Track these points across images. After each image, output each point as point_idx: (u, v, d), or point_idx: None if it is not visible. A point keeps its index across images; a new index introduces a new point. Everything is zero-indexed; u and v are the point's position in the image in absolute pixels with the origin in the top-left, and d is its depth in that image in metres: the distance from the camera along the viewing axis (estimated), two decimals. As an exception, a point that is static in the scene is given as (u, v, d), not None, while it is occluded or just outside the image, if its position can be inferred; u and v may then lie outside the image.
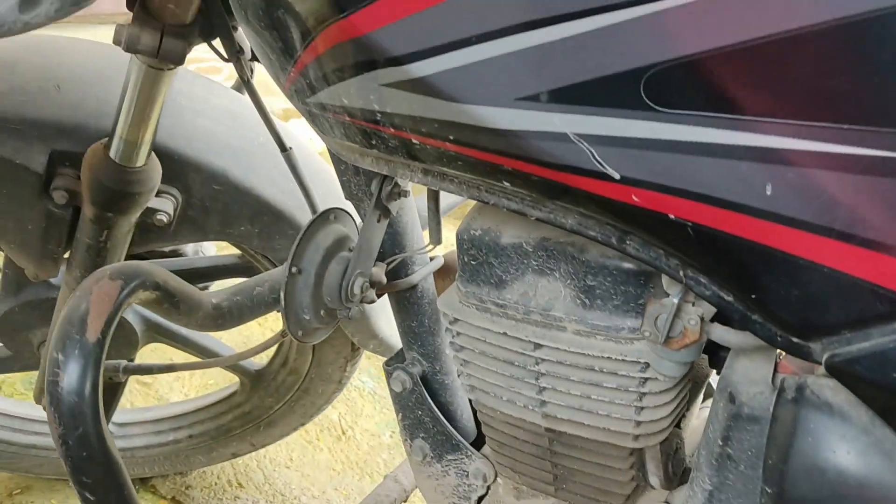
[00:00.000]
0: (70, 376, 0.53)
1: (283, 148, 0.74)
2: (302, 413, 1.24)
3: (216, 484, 1.32)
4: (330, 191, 0.82)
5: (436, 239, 0.69)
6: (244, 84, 0.70)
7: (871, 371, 0.39)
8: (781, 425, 0.43)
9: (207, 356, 1.16)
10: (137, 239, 0.83)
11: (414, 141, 0.46)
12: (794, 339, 0.41)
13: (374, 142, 0.49)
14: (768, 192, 0.37)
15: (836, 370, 0.40)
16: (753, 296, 0.41)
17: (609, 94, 0.38)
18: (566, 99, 0.39)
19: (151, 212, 0.79)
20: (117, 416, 1.22)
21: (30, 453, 1.22)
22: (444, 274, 0.78)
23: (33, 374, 1.14)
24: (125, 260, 0.85)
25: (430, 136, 0.45)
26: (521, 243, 0.55)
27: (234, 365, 1.14)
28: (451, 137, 0.44)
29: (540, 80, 0.39)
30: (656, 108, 0.37)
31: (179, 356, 1.14)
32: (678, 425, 0.60)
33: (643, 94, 0.37)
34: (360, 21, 0.41)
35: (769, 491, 0.43)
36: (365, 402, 1.52)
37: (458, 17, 0.39)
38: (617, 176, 0.40)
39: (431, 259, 0.76)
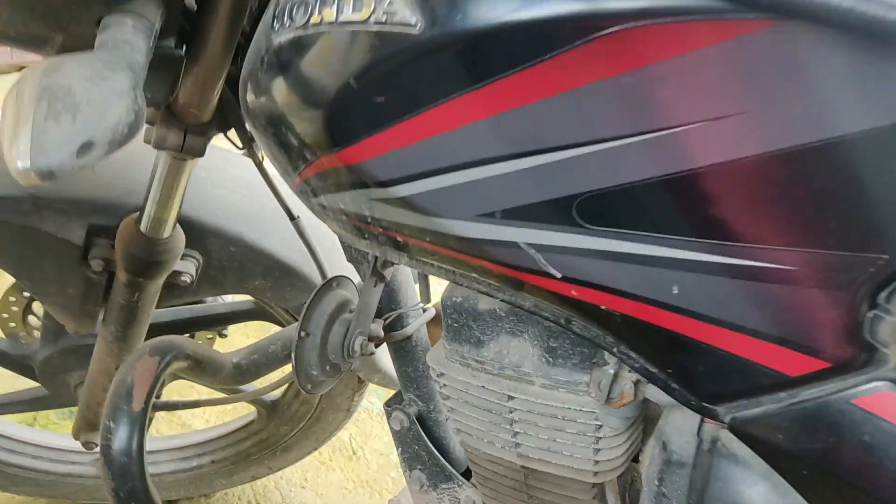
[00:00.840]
0: (120, 440, 0.63)
1: (292, 217, 0.84)
2: (315, 439, 1.34)
3: (237, 504, 1.42)
4: (335, 251, 0.93)
5: (425, 298, 0.79)
6: (256, 166, 0.79)
7: (762, 432, 0.48)
8: (700, 470, 0.53)
9: (227, 390, 1.26)
10: (165, 295, 0.93)
11: (398, 239, 0.56)
12: (704, 404, 0.51)
13: (366, 236, 0.59)
14: (675, 292, 0.47)
15: (736, 430, 0.50)
16: (669, 370, 0.51)
17: (548, 214, 0.48)
18: (516, 217, 0.49)
19: (177, 273, 0.90)
20: (147, 445, 1.32)
21: (66, 481, 1.32)
22: (436, 322, 0.88)
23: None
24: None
25: (411, 236, 0.55)
26: (496, 309, 0.64)
27: (251, 399, 1.24)
28: (428, 239, 0.54)
29: (494, 202, 0.49)
30: (585, 225, 0.47)
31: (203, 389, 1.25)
32: (635, 460, 0.70)
33: (575, 215, 0.47)
34: (352, 153, 0.51)
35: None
36: (374, 422, 1.61)
37: (430, 154, 0.49)
38: (558, 275, 0.49)
39: (424, 310, 0.86)
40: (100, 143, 0.48)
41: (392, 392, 0.89)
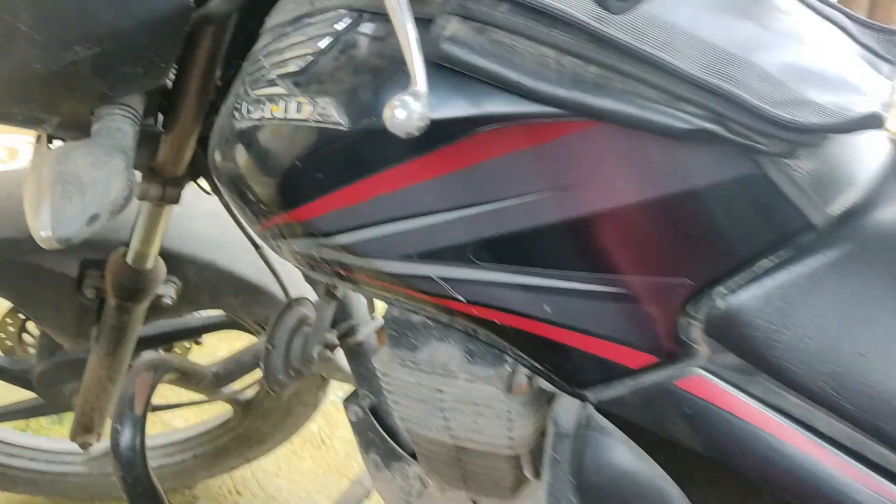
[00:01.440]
0: (126, 438, 0.77)
1: (256, 246, 0.98)
2: (286, 431, 1.48)
3: (218, 493, 1.56)
4: (295, 272, 1.07)
5: (372, 308, 0.94)
6: (223, 205, 0.94)
7: (618, 409, 0.64)
8: (579, 440, 0.69)
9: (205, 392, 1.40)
10: (150, 314, 1.07)
11: (342, 273, 0.71)
12: (576, 390, 0.67)
13: (316, 270, 0.74)
14: (547, 309, 0.62)
15: (601, 409, 0.66)
16: (548, 366, 0.67)
17: (451, 255, 0.63)
18: (428, 258, 0.64)
19: (159, 296, 1.04)
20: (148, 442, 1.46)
21: (61, 480, 1.45)
22: (382, 329, 1.03)
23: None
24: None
25: (352, 272, 0.70)
26: (426, 321, 0.79)
27: (228, 399, 1.39)
28: (365, 274, 0.69)
29: (411, 248, 0.64)
30: (478, 263, 0.62)
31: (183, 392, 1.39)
32: (543, 434, 0.86)
33: (470, 256, 0.62)
34: (300, 213, 0.66)
35: (574, 482, 0.69)
36: (339, 414, 1.76)
37: (361, 213, 0.63)
38: (463, 300, 0.65)
39: (372, 319, 1.01)
40: (103, 214, 0.63)
41: (352, 387, 1.04)
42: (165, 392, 1.63)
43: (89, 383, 1.11)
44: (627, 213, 0.57)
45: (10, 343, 1.24)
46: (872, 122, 0.51)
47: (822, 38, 0.60)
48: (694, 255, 0.58)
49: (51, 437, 1.51)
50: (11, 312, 1.20)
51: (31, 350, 1.25)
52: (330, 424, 1.74)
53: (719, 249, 0.57)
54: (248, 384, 1.21)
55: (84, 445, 1.21)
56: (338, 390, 1.81)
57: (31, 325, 1.23)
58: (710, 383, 0.60)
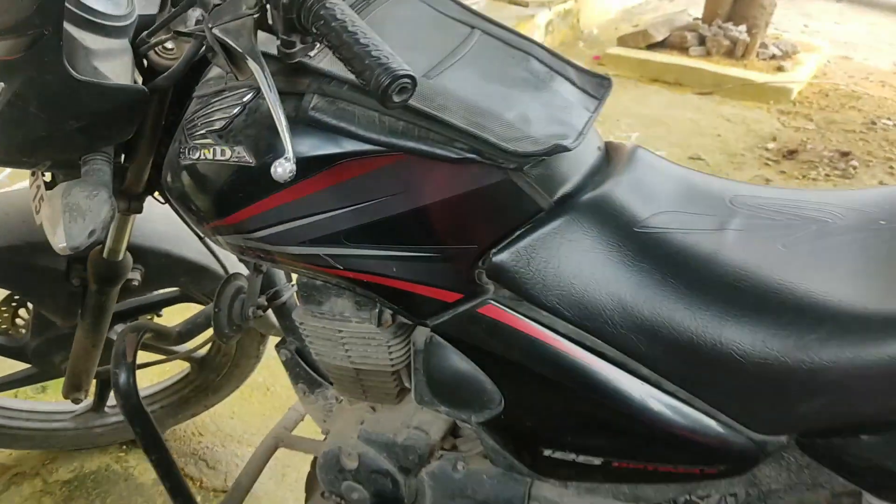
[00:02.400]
0: (123, 379, 1.10)
1: (200, 237, 1.30)
2: (236, 381, 1.80)
3: (184, 436, 1.89)
4: (231, 255, 1.39)
5: (289, 278, 1.28)
6: (174, 211, 1.24)
7: (447, 331, 0.98)
8: (427, 354, 1.04)
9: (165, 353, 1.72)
10: (122, 294, 1.38)
11: (262, 256, 1.03)
12: (420, 320, 1.01)
13: (244, 255, 1.06)
14: (394, 269, 0.96)
15: (436, 331, 1.00)
16: (400, 305, 1.01)
17: (330, 239, 0.95)
18: (316, 243, 0.96)
19: (129, 280, 1.35)
20: (111, 401, 1.77)
21: (53, 435, 1.75)
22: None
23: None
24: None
25: (269, 255, 1.02)
26: (326, 284, 1.12)
27: (186, 357, 1.71)
28: (277, 256, 1.01)
29: (305, 236, 0.96)
30: (348, 243, 0.96)
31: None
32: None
33: (342, 239, 0.96)
34: (231, 219, 0.97)
35: (426, 382, 1.04)
36: (279, 366, 2.09)
37: (270, 217, 0.96)
38: (341, 268, 0.98)
39: (291, 286, 1.34)
40: (98, 230, 0.94)
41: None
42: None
43: (77, 351, 1.42)
44: (435, 207, 0.91)
45: (5, 326, 1.53)
46: (562, 148, 0.85)
47: (549, 89, 0.94)
48: (477, 231, 0.92)
49: (41, 402, 1.81)
50: (6, 301, 1.49)
51: (23, 331, 1.54)
52: (273, 375, 2.07)
53: (491, 226, 0.92)
54: (200, 344, 1.53)
55: (76, 400, 1.52)
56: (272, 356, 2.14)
57: (22, 311, 1.53)
58: (498, 309, 0.95)
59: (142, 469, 1.79)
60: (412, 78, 0.72)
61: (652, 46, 4.97)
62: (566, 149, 0.86)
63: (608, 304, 0.88)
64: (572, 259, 0.91)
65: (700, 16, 5.19)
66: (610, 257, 0.90)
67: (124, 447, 1.83)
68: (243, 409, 1.97)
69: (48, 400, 1.90)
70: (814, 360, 0.78)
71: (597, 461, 0.98)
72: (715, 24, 4.94)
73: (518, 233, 0.91)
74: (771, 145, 3.90)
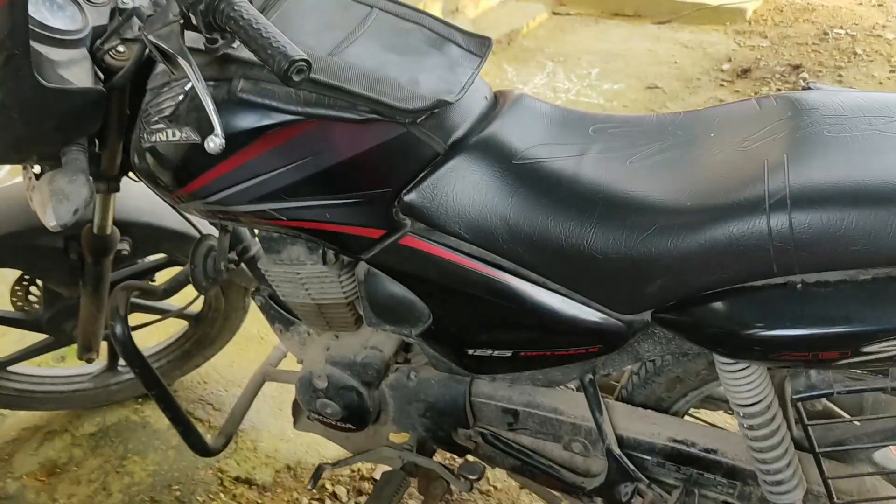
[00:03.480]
0: (119, 329, 1.31)
1: (175, 208, 1.49)
2: (229, 331, 2.01)
3: (191, 385, 2.11)
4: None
5: (253, 234, 1.47)
6: (152, 190, 1.43)
7: (378, 261, 1.18)
8: (367, 282, 1.23)
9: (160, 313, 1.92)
10: (115, 263, 1.58)
11: (221, 216, 1.22)
12: (357, 255, 1.20)
13: (209, 218, 1.26)
14: (328, 215, 1.15)
15: (369, 262, 1.20)
16: (339, 245, 1.20)
17: (273, 196, 1.14)
18: (261, 200, 1.14)
19: (119, 251, 1.55)
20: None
21: (73, 395, 1.97)
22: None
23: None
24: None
25: (227, 215, 1.21)
26: (281, 234, 1.31)
27: (182, 315, 1.92)
28: (234, 215, 1.20)
29: (252, 195, 1.14)
30: (287, 198, 1.15)
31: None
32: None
33: (282, 195, 1.14)
34: (189, 188, 1.16)
35: (369, 305, 1.25)
36: (272, 317, 2.31)
37: (221, 181, 1.14)
38: (286, 219, 1.17)
39: (256, 240, 1.53)
40: (81, 209, 1.14)
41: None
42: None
43: (84, 316, 1.63)
44: (350, 161, 1.09)
45: (21, 303, 1.74)
46: (445, 102, 1.04)
47: (437, 53, 1.12)
48: (388, 177, 1.11)
49: (58, 367, 2.04)
50: (18, 281, 1.70)
51: (36, 306, 1.75)
52: (265, 325, 2.26)
53: (399, 172, 1.11)
54: (191, 301, 1.75)
55: (89, 360, 1.73)
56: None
57: (33, 289, 1.73)
58: (415, 239, 1.14)
59: (156, 417, 2.01)
60: (307, 61, 0.90)
61: (611, -19, 5.08)
62: (448, 103, 1.05)
63: (498, 225, 1.08)
64: (466, 191, 1.10)
65: (655, -55, 5.26)
66: (496, 186, 1.09)
67: (139, 400, 2.05)
68: (241, 358, 2.19)
69: (67, 366, 2.12)
70: (651, 251, 0.98)
71: (508, 353, 1.19)
72: (669, -47, 5.03)
73: (422, 175, 1.10)
74: (726, 66, 4.04)
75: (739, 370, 1.05)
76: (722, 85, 3.86)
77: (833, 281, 0.92)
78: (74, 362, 1.99)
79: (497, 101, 1.20)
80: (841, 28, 4.43)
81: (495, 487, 1.77)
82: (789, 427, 1.14)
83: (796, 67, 3.93)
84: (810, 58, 4.07)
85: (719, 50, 4.25)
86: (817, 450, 1.10)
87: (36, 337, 1.82)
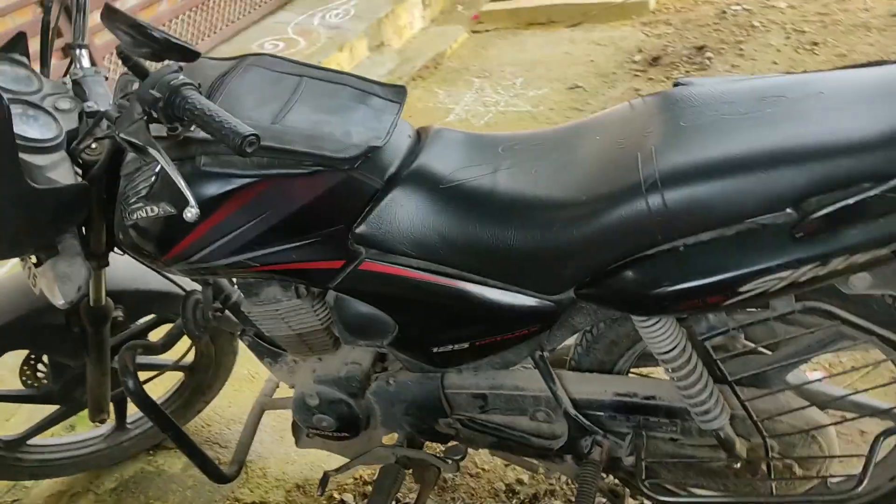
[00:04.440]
0: (131, 385, 1.47)
1: (158, 272, 1.66)
2: (223, 376, 2.17)
3: (196, 430, 2.25)
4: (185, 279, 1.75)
5: (232, 283, 1.65)
6: (134, 259, 1.60)
7: (347, 286, 1.35)
8: (338, 306, 1.41)
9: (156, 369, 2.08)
10: (112, 329, 1.74)
11: (204, 272, 1.39)
12: (326, 285, 1.38)
13: (193, 275, 1.43)
14: (293, 256, 1.33)
15: (338, 290, 1.38)
16: (302, 280, 1.38)
17: (244, 248, 1.32)
18: (235, 252, 1.32)
19: (115, 318, 1.70)
20: (137, 414, 2.14)
21: (91, 457, 2.11)
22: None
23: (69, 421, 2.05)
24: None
25: (209, 270, 1.38)
26: (259, 280, 1.49)
27: (178, 367, 2.07)
28: (214, 268, 1.37)
29: (227, 250, 1.31)
30: (256, 247, 1.32)
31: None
32: (340, 313, 1.58)
33: (252, 245, 1.32)
34: (169, 255, 1.32)
35: (342, 325, 1.43)
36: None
37: (197, 245, 1.32)
38: (258, 265, 1.35)
39: (236, 288, 1.71)
40: (83, 286, 1.31)
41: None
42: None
43: (92, 381, 1.78)
44: (305, 208, 1.27)
45: (30, 381, 1.89)
46: (375, 147, 1.23)
47: (362, 107, 1.31)
48: (339, 215, 1.29)
49: (71, 434, 2.18)
50: (26, 360, 1.85)
51: (45, 381, 1.90)
52: (254, 366, 2.43)
53: (347, 210, 1.29)
54: (184, 354, 1.91)
55: (101, 421, 1.88)
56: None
57: (40, 366, 1.88)
58: (371, 263, 1.32)
59: (169, 464, 2.16)
60: (255, 134, 1.08)
61: (521, -7, 5.33)
62: (378, 147, 1.24)
63: (436, 240, 1.27)
64: (406, 216, 1.28)
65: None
66: (429, 209, 1.28)
67: (151, 452, 2.20)
68: (237, 398, 2.35)
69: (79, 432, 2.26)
70: (561, 240, 1.18)
71: (466, 345, 1.38)
72: (570, -41, 5.30)
73: (367, 209, 1.28)
74: (637, 57, 4.30)
75: (652, 325, 1.25)
76: (637, 75, 4.10)
77: (706, 240, 1.12)
78: (85, 429, 2.15)
79: (420, 137, 1.39)
80: (738, 4, 4.71)
81: (483, 469, 1.96)
82: (708, 366, 1.34)
83: (701, 48, 4.20)
84: (713, 37, 4.34)
85: (630, 43, 4.51)
86: (729, 379, 1.31)
87: (47, 410, 1.97)
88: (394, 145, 1.32)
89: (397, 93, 1.36)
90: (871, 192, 1.02)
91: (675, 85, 1.32)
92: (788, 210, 1.07)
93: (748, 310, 1.29)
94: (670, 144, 1.14)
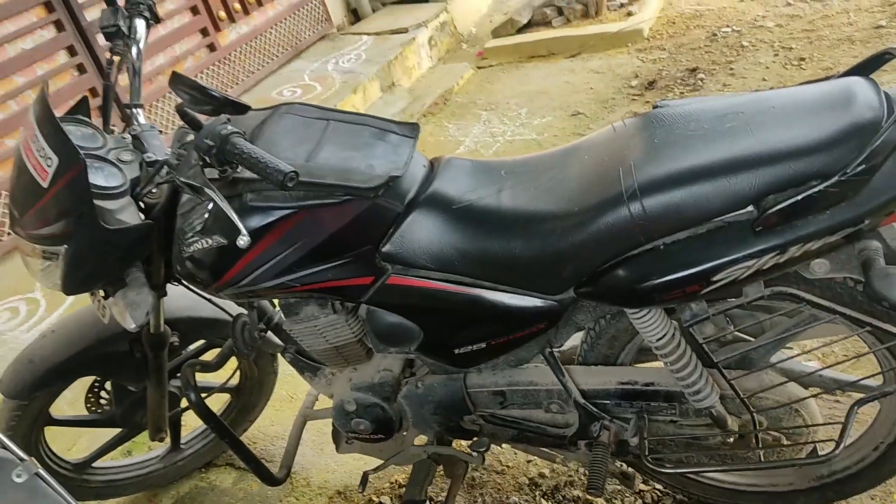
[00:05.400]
0: (192, 398, 1.66)
1: (208, 300, 1.85)
2: (266, 396, 2.35)
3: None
4: (232, 304, 1.95)
5: (273, 305, 1.84)
6: (187, 289, 1.79)
7: (377, 299, 1.53)
8: (369, 318, 1.60)
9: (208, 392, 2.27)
10: (170, 355, 1.93)
11: (251, 295, 1.58)
12: (359, 301, 1.57)
13: (240, 299, 1.62)
14: (329, 275, 1.52)
15: (370, 303, 1.56)
16: (340, 296, 1.57)
17: (286, 270, 1.51)
18: (278, 275, 1.51)
19: (171, 343, 1.90)
20: (190, 434, 2.33)
21: (149, 477, 2.29)
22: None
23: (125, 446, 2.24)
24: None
25: (255, 293, 1.57)
26: (298, 301, 1.67)
27: (224, 389, 2.26)
28: (259, 292, 1.57)
29: (272, 274, 1.50)
30: (298, 269, 1.51)
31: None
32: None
33: (293, 267, 1.51)
34: (220, 281, 1.51)
35: (375, 335, 1.61)
36: (295, 380, 2.65)
37: (246, 271, 1.51)
38: (299, 285, 1.54)
39: (277, 310, 1.90)
40: (149, 311, 1.51)
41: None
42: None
43: (152, 403, 1.97)
44: (338, 232, 1.46)
45: (94, 407, 2.08)
46: (396, 177, 1.42)
47: (381, 143, 1.50)
48: (366, 237, 1.48)
49: (128, 457, 2.37)
50: (90, 388, 2.04)
51: (107, 407, 2.09)
52: (292, 387, 2.63)
53: (373, 232, 1.48)
54: (229, 376, 2.10)
55: (160, 440, 2.06)
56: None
57: (103, 392, 2.08)
58: (397, 277, 1.50)
59: (220, 479, 2.34)
60: (295, 172, 1.28)
61: (521, 29, 5.57)
62: (398, 176, 1.43)
63: (451, 253, 1.45)
64: (425, 235, 1.47)
65: (553, -10, 5.78)
66: (445, 227, 1.46)
67: (203, 469, 2.38)
68: (279, 416, 2.53)
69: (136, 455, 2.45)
70: (558, 246, 1.36)
71: (483, 345, 1.55)
72: (566, -6, 5.55)
73: (390, 230, 1.47)
74: (634, 82, 4.50)
75: (643, 316, 1.43)
76: (634, 99, 4.30)
77: (683, 238, 1.30)
78: (140, 453, 2.34)
79: (433, 166, 1.58)
80: (727, 26, 4.91)
81: (507, 466, 2.12)
82: (697, 352, 1.51)
83: (693, 70, 4.39)
84: (704, 59, 4.54)
85: (626, 69, 4.71)
86: (715, 361, 1.47)
87: (109, 434, 2.16)
88: (411, 174, 1.51)
89: (412, 129, 1.56)
90: (817, 188, 1.20)
91: (654, 107, 1.50)
92: (749, 208, 1.24)
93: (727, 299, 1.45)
94: (646, 159, 1.32)
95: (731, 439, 1.58)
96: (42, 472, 1.29)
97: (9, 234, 3.59)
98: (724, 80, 4.20)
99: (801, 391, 1.54)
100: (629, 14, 5.30)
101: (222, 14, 4.85)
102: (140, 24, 1.69)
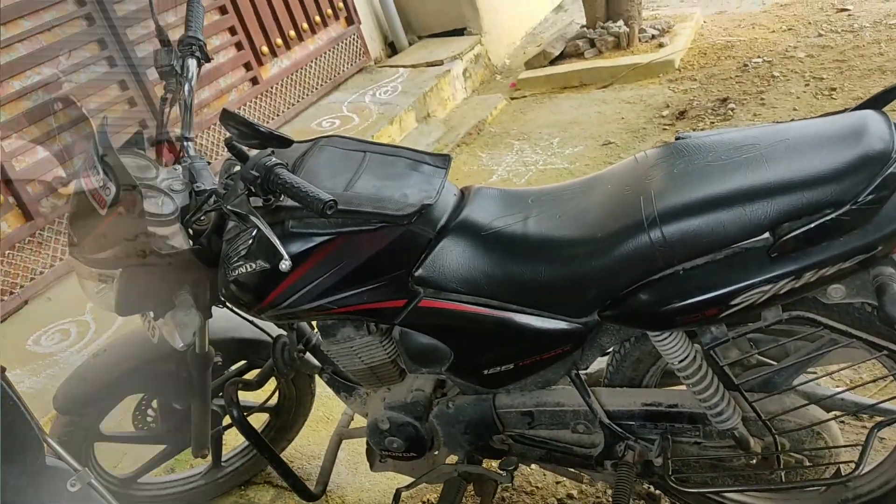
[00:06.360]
0: (235, 414, 1.74)
1: (250, 322, 1.94)
2: (303, 416, 2.42)
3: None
4: (272, 325, 2.04)
5: (312, 327, 1.92)
6: (231, 311, 1.89)
7: (410, 321, 1.61)
8: (404, 339, 1.67)
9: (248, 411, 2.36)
10: (213, 374, 2.03)
11: (291, 317, 1.66)
12: (392, 322, 1.64)
13: (280, 321, 1.70)
14: (365, 297, 1.60)
15: (403, 325, 1.63)
16: (375, 318, 1.64)
17: (326, 293, 1.59)
18: (317, 297, 1.60)
19: (214, 363, 1.99)
20: (230, 452, 2.42)
21: (191, 493, 2.37)
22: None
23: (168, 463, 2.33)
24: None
25: (295, 314, 1.65)
26: (336, 322, 1.75)
27: (264, 408, 2.34)
28: (299, 315, 1.65)
29: (311, 296, 1.59)
30: (337, 292, 1.60)
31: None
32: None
33: (331, 290, 1.59)
34: (263, 303, 1.60)
35: (407, 356, 1.68)
36: (331, 402, 2.73)
37: (287, 293, 1.60)
38: (336, 307, 1.62)
39: (316, 332, 1.98)
40: (197, 331, 1.60)
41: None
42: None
43: (196, 420, 2.06)
44: (373, 257, 1.54)
45: (141, 424, 2.18)
46: (428, 205, 1.50)
47: (415, 173, 1.59)
48: (400, 262, 1.55)
49: (172, 473, 2.46)
50: (138, 406, 2.14)
51: (153, 424, 2.19)
52: (328, 408, 2.70)
53: (407, 256, 1.56)
54: (269, 396, 2.18)
55: (203, 455, 2.14)
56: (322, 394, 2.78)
57: (149, 410, 2.17)
58: (429, 300, 1.57)
59: (259, 496, 2.42)
60: (334, 200, 1.36)
61: (554, 61, 5.66)
62: (430, 205, 1.51)
63: (480, 277, 1.52)
64: (455, 260, 1.54)
65: (584, 22, 5.88)
66: (474, 252, 1.54)
67: (242, 487, 2.46)
68: (315, 436, 2.60)
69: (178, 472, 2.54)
70: (583, 271, 1.42)
71: (511, 366, 1.61)
72: (598, 27, 5.63)
73: (423, 255, 1.55)
74: (665, 112, 4.55)
75: (665, 338, 1.48)
76: (665, 129, 4.35)
77: (701, 263, 1.35)
78: (182, 470, 2.42)
79: (463, 195, 1.66)
80: (758, 57, 4.95)
81: (537, 487, 2.16)
82: (719, 374, 1.55)
83: (724, 100, 4.43)
84: (735, 89, 4.58)
85: (657, 99, 4.77)
86: (737, 384, 1.51)
87: (153, 451, 2.25)
88: (443, 202, 1.59)
89: (444, 160, 1.64)
90: (830, 216, 1.25)
91: (676, 139, 1.56)
92: (765, 235, 1.30)
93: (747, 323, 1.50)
94: (666, 188, 1.38)
95: (754, 461, 1.61)
96: (94, 482, 1.38)
97: (60, 259, 3.75)
98: (755, 109, 4.23)
99: (822, 414, 1.57)
100: (660, 45, 5.36)
101: (265, 49, 5.03)
102: (192, 63, 1.81)
